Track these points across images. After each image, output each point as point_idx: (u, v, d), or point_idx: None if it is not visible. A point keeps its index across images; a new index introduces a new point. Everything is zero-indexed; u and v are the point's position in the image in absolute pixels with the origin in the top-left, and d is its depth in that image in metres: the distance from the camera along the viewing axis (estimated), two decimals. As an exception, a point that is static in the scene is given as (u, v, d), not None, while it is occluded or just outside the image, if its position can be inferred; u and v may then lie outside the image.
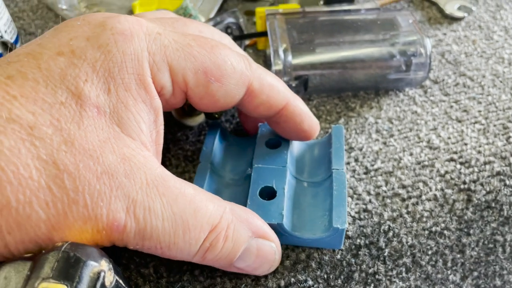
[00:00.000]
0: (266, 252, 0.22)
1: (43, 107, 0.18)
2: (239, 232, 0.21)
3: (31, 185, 0.17)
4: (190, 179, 0.29)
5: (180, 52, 0.21)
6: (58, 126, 0.18)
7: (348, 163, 0.30)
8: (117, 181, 0.18)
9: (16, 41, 0.40)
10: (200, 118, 0.33)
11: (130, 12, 0.44)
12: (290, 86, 0.32)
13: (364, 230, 0.26)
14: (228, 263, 0.22)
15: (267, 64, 0.32)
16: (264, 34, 0.35)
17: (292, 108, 0.26)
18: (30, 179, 0.17)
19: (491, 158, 0.29)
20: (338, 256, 0.25)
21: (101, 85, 0.19)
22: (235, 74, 0.23)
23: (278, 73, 0.31)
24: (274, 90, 0.25)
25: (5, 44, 0.34)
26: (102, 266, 0.17)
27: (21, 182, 0.16)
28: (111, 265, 0.18)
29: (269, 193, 0.26)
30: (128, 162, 0.19)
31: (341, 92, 0.35)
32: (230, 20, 0.34)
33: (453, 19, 0.42)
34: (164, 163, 0.30)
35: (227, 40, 0.27)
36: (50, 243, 0.17)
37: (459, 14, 0.42)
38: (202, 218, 0.20)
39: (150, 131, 0.21)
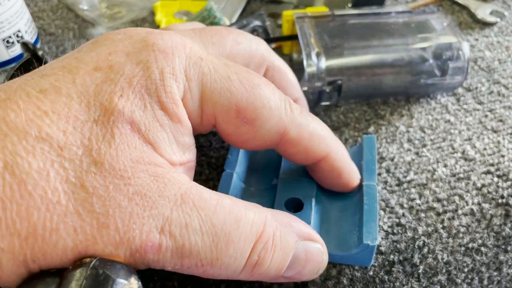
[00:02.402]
0: (314, 255, 0.21)
1: (75, 125, 0.17)
2: (286, 238, 0.20)
3: (59, 210, 0.16)
4: (214, 187, 0.28)
5: (217, 84, 0.20)
6: (88, 146, 0.17)
7: (379, 174, 0.29)
8: (150, 200, 0.17)
9: (36, 42, 0.39)
10: (225, 124, 0.32)
11: (152, 13, 0.43)
12: (323, 91, 0.31)
13: (398, 246, 0.25)
14: (277, 275, 0.20)
15: (294, 69, 0.31)
16: (292, 37, 0.34)
17: (331, 162, 0.24)
18: (58, 204, 0.16)
19: (530, 171, 0.28)
20: (371, 273, 0.24)
21: (137, 101, 0.18)
22: (271, 119, 0.21)
23: (311, 78, 0.30)
24: (315, 141, 0.23)
25: (25, 45, 0.33)
26: (132, 284, 0.16)
27: (49, 208, 0.15)
28: (140, 283, 0.17)
29: (295, 205, 0.25)
30: (161, 179, 0.18)
31: (373, 98, 0.34)
32: (256, 23, 0.33)
33: (485, 24, 0.41)
34: (188, 170, 0.30)
35: (264, 46, 0.26)
36: None
37: (491, 19, 0.40)
38: (245, 228, 0.18)
39: (182, 152, 0.20)
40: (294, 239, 0.20)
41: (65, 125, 0.17)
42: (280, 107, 0.21)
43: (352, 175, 0.25)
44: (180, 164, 0.19)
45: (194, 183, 0.19)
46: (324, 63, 0.30)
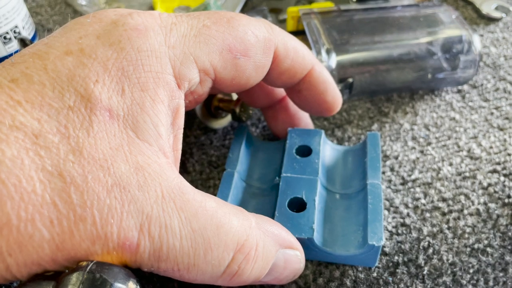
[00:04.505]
0: (292, 262, 0.21)
1: (50, 113, 0.16)
2: (268, 248, 0.19)
3: (34, 200, 0.15)
4: (215, 186, 0.28)
5: (199, 37, 0.20)
6: (65, 134, 0.16)
7: (383, 173, 0.28)
8: (129, 194, 0.16)
9: (33, 38, 0.39)
10: (225, 121, 0.31)
11: (151, 8, 0.43)
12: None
13: (402, 246, 0.24)
14: (255, 281, 0.20)
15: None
16: (297, 34, 0.33)
17: (317, 74, 0.25)
18: (33, 194, 0.15)
19: (537, 170, 0.28)
20: (375, 274, 0.23)
21: (114, 86, 0.17)
22: (259, 42, 0.21)
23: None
24: (299, 54, 0.24)
25: (23, 41, 0.33)
26: (130, 289, 0.16)
27: (23, 197, 0.15)
28: (139, 286, 0.16)
29: (298, 205, 0.24)
30: (142, 172, 0.17)
31: (383, 93, 0.33)
32: (258, 18, 0.32)
33: (490, 20, 0.40)
34: (188, 168, 0.29)
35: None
36: (54, 265, 0.16)
37: (496, 14, 0.40)
38: (226, 236, 0.18)
39: (168, 135, 0.19)
40: (275, 248, 0.20)
41: (39, 114, 0.16)
42: (261, 28, 0.22)
43: (336, 91, 0.26)
44: (168, 148, 0.19)
45: (180, 178, 0.18)
46: (334, 59, 0.30)
